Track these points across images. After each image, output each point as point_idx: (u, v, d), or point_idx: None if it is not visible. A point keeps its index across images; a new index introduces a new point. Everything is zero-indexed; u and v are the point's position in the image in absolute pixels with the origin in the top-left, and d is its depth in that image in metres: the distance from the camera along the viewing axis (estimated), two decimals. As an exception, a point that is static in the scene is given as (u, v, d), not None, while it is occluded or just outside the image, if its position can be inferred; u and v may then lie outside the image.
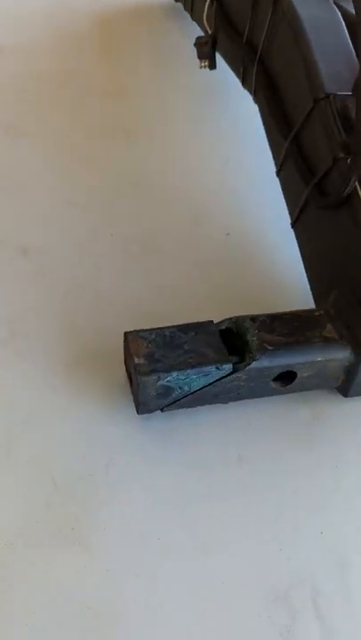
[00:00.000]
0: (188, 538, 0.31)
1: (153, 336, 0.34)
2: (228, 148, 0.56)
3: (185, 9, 0.66)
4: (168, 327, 0.35)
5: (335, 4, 0.44)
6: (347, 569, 0.31)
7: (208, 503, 0.33)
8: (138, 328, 0.35)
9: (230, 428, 0.36)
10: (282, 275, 0.46)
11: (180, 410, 0.35)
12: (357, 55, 0.33)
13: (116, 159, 0.52)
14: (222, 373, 0.34)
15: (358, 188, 0.36)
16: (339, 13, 0.43)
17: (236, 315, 0.36)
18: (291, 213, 0.43)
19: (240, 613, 0.29)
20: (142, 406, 0.34)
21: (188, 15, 0.65)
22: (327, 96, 0.38)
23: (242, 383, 0.35)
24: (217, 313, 0.36)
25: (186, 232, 0.48)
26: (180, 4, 0.69)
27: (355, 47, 0.39)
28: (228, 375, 0.34)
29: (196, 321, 0.35)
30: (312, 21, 0.42)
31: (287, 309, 0.37)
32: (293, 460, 0.35)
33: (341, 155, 0.37)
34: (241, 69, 0.51)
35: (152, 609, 0.29)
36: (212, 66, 0.55)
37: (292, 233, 0.44)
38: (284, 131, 0.43)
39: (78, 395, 0.36)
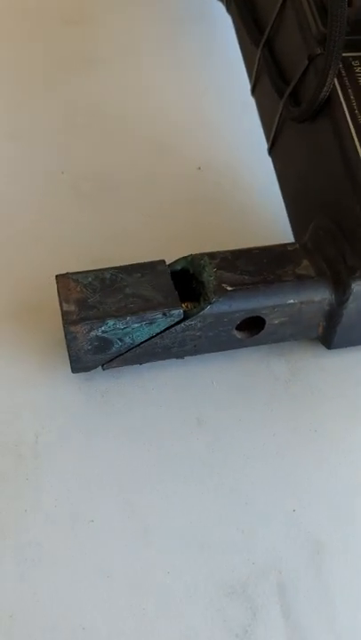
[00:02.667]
0: (127, 521, 0.26)
1: (89, 279, 0.28)
2: (207, 77, 0.49)
3: None
4: (109, 268, 0.29)
5: None
6: (321, 557, 0.25)
7: (156, 478, 0.27)
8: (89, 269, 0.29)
9: (188, 388, 0.30)
10: (261, 212, 0.39)
11: (126, 367, 0.30)
12: None
13: (72, 90, 0.46)
14: (171, 321, 0.28)
15: (338, 89, 0.29)
16: None
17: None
18: (267, 138, 0.37)
19: (188, 611, 0.24)
20: (75, 363, 0.28)
21: None
22: (302, -18, 0.31)
23: (198, 333, 0.29)
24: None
25: (149, 167, 0.41)
26: None
27: None
28: (178, 323, 0.28)
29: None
30: None
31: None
32: (264, 424, 0.29)
33: (319, 50, 0.30)
34: (212, -24, 0.43)
35: (80, 607, 0.24)
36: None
37: (271, 163, 0.37)
38: (256, 37, 0.36)
39: (7, 351, 0.31)
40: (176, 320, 0.28)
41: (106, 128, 0.43)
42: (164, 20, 0.54)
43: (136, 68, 0.49)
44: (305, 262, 0.29)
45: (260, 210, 0.39)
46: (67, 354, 0.29)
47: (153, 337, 0.28)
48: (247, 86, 0.39)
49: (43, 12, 0.53)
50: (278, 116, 0.34)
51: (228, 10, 0.42)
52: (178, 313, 0.27)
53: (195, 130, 0.44)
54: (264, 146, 0.37)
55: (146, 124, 0.44)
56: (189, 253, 0.33)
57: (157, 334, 0.28)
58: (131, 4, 0.55)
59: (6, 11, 0.54)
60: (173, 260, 0.31)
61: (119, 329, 0.27)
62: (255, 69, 0.37)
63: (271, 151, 0.36)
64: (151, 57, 0.50)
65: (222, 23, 0.44)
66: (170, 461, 0.27)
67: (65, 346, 0.30)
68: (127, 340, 0.28)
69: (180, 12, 0.54)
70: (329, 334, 0.31)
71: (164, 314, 0.27)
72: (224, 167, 0.42)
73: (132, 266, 0.29)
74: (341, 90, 0.29)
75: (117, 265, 0.30)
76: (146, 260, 0.32)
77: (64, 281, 0.28)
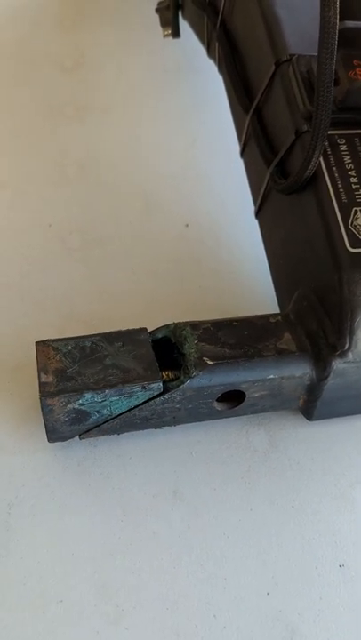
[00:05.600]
0: (99, 603, 0.25)
1: (69, 347, 0.28)
2: (194, 128, 0.50)
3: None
4: (91, 336, 0.29)
5: None
6: (295, 643, 0.25)
7: (128, 554, 0.27)
8: (70, 336, 0.29)
9: (166, 458, 0.30)
10: (249, 274, 0.39)
11: (104, 436, 0.29)
12: None
13: (62, 139, 0.46)
14: (150, 394, 0.27)
15: (324, 166, 0.29)
16: None
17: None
18: (254, 201, 0.37)
19: None
20: (52, 433, 0.28)
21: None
22: (291, 58, 0.32)
23: (177, 405, 0.28)
24: (169, 319, 0.30)
25: (137, 223, 0.42)
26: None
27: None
28: (157, 396, 0.28)
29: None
30: (277, -29, 0.35)
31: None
32: (242, 498, 0.29)
33: (305, 127, 0.30)
34: (205, 36, 0.44)
35: None
36: (176, 34, 0.49)
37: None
38: (245, 104, 0.36)
39: (-17, 416, 0.30)
40: (155, 393, 0.27)
41: (96, 180, 0.44)
42: (157, 70, 0.55)
43: (127, 117, 0.50)
44: (287, 336, 0.29)
45: (245, 271, 0.39)
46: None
47: (132, 409, 0.28)
48: (236, 141, 0.40)
49: (40, 58, 0.54)
50: (265, 183, 0.34)
51: (220, 70, 0.43)
52: (157, 386, 0.27)
53: (184, 184, 0.45)
54: (252, 203, 0.37)
55: (136, 176, 0.44)
56: (173, 313, 0.33)
57: (136, 406, 0.28)
58: (126, 52, 0.56)
59: (1, 55, 0.54)
60: (156, 321, 0.31)
61: (97, 402, 0.27)
62: (244, 134, 0.37)
63: (258, 215, 0.37)
64: (143, 107, 0.51)
65: (214, 76, 0.44)
66: (146, 538, 0.27)
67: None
68: (105, 412, 0.27)
69: (173, 64, 0.55)
70: (310, 407, 0.30)
71: (144, 387, 0.27)
72: (212, 225, 0.42)
73: (113, 333, 0.29)
74: (326, 167, 0.29)
75: (100, 325, 0.30)
76: (129, 319, 0.32)
77: (43, 349, 0.28)
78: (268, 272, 0.36)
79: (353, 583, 0.27)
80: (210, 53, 0.44)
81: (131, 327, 0.30)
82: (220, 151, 0.46)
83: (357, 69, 0.31)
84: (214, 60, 0.44)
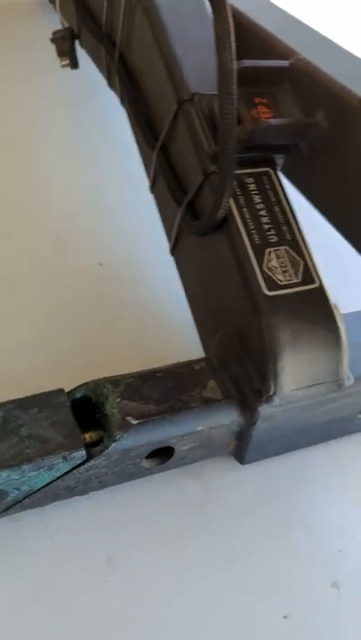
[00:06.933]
0: None
1: (-20, 420, 0.26)
2: (102, 160, 0.49)
3: (50, 1, 0.58)
4: (3, 404, 0.27)
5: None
6: None
7: (61, 635, 0.25)
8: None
9: (96, 524, 0.28)
10: (170, 312, 0.38)
11: (28, 510, 0.27)
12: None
13: None
14: (73, 464, 0.26)
15: (234, 208, 0.29)
16: (204, -2, 0.36)
17: (110, 374, 0.28)
18: (168, 238, 0.36)
19: None
20: (-33, 518, 0.26)
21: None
22: (193, 97, 0.31)
23: (103, 470, 0.27)
24: (87, 371, 0.29)
25: (49, 264, 0.40)
26: (46, -2, 0.60)
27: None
28: (81, 464, 0.26)
29: (54, 387, 0.27)
30: (172, 7, 0.34)
31: (176, 361, 0.29)
32: (179, 557, 0.28)
33: (212, 168, 0.30)
34: (105, 68, 0.43)
35: None
36: (74, 64, 0.47)
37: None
38: (150, 140, 0.36)
39: None
40: (78, 462, 0.26)
41: (3, 222, 0.41)
42: (60, 101, 0.53)
43: (32, 153, 0.48)
44: (212, 383, 0.28)
45: (166, 308, 0.38)
46: None
47: (54, 480, 0.26)
48: (144, 173, 0.38)
49: None
50: (177, 222, 0.33)
51: (123, 104, 0.42)
52: (80, 455, 0.25)
53: (95, 220, 0.43)
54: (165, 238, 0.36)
55: (44, 215, 0.43)
56: (93, 361, 0.32)
57: (59, 477, 0.26)
58: (25, 84, 0.54)
59: None
60: (75, 371, 0.29)
61: (14, 479, 0.25)
62: (152, 170, 0.36)
63: (173, 252, 0.36)
64: (48, 141, 0.49)
65: (117, 106, 0.43)
66: (83, 619, 0.25)
67: None
68: (25, 487, 0.25)
69: (76, 93, 0.54)
70: (241, 451, 0.30)
71: (65, 457, 0.25)
72: (127, 262, 0.41)
73: (28, 399, 0.27)
74: (237, 208, 0.29)
75: (11, 384, 0.28)
76: (45, 373, 0.31)
77: None
78: (187, 307, 0.35)
79: (298, 634, 0.26)
80: (111, 85, 0.43)
81: (48, 382, 0.28)
82: (131, 183, 0.45)
83: (259, 107, 0.30)
84: (116, 92, 0.43)
